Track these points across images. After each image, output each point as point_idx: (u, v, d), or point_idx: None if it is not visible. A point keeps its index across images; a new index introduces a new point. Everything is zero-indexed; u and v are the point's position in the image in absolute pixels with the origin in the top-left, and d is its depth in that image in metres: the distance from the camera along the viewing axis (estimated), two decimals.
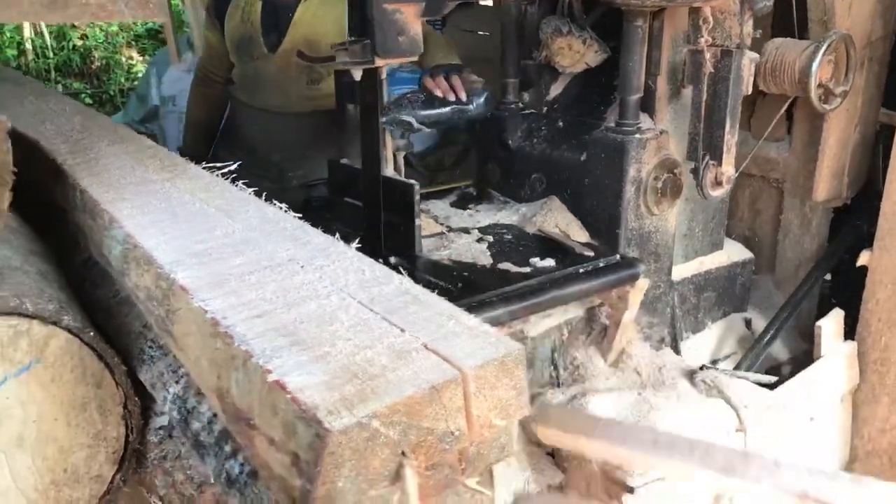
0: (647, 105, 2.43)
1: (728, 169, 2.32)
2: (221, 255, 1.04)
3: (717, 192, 2.37)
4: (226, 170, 1.41)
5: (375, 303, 0.90)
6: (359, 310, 0.88)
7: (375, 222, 2.33)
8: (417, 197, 2.23)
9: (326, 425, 0.68)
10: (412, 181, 2.24)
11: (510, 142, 2.72)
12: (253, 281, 0.96)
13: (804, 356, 2.85)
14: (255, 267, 1.00)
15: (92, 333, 1.15)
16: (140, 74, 7.91)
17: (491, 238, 2.44)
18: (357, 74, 2.16)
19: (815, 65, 2.29)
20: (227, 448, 0.98)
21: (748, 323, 2.89)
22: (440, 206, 2.71)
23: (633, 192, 2.39)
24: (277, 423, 0.75)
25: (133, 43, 9.11)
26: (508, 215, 2.62)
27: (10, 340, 1.08)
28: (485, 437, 0.83)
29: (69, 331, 1.12)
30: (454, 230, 2.50)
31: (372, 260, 1.04)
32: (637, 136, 2.36)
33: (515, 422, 0.92)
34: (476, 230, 2.50)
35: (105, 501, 1.21)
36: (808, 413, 2.53)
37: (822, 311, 2.74)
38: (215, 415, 1.05)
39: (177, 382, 1.13)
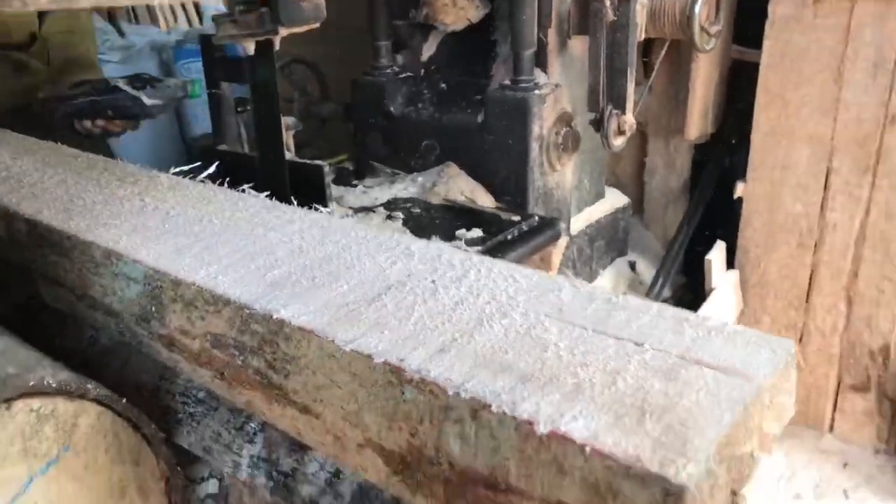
0: (540, 59, 2.37)
1: (630, 118, 2.33)
2: (315, 282, 0.82)
3: (619, 141, 2.37)
4: (204, 174, 1.15)
5: (569, 314, 0.74)
6: (559, 325, 0.73)
7: None
8: (328, 179, 2.03)
9: (675, 480, 0.54)
10: (320, 162, 2.03)
11: (392, 109, 2.55)
12: (389, 307, 0.77)
13: (683, 290, 2.99)
14: (374, 289, 0.80)
15: (124, 401, 0.88)
16: None
17: (400, 214, 2.28)
18: (250, 48, 1.90)
19: (698, 6, 2.34)
20: None
21: (633, 265, 2.97)
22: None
23: (537, 149, 2.33)
24: (570, 485, 0.59)
25: None
26: (405, 188, 2.46)
27: (34, 430, 0.79)
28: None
29: (98, 402, 0.84)
30: (357, 210, 2.31)
31: (508, 262, 0.87)
32: (536, 91, 2.30)
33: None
34: (380, 208, 2.33)
35: None
36: None
37: (691, 244, 2.88)
38: (337, 473, 0.84)
39: (250, 442, 0.90)
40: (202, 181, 1.21)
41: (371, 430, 0.71)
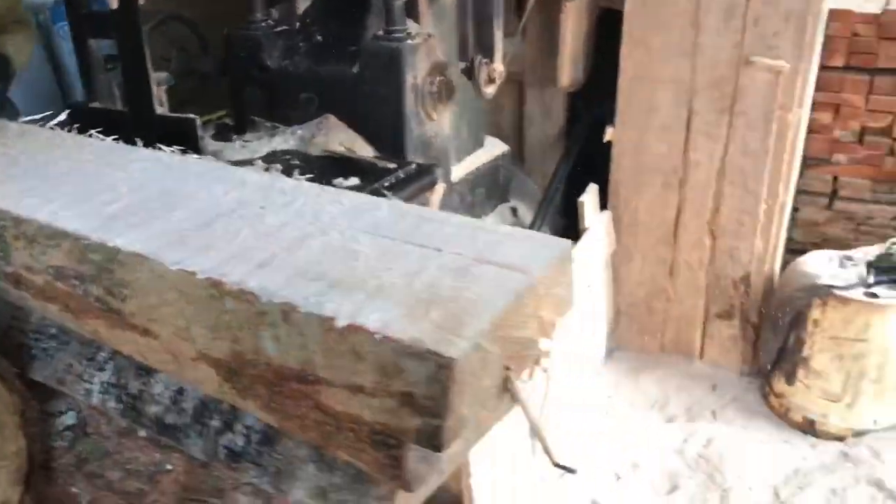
0: (411, 10, 2.43)
1: (499, 66, 2.41)
2: (152, 213, 0.87)
3: (490, 90, 2.46)
4: (54, 121, 1.18)
5: (382, 229, 0.82)
6: (373, 239, 0.80)
7: None
8: (200, 132, 2.05)
9: (446, 354, 0.63)
10: (191, 115, 2.05)
11: (269, 63, 2.57)
12: (218, 232, 0.83)
13: (564, 231, 3.12)
14: (206, 217, 0.86)
15: None
16: None
17: (280, 166, 2.31)
18: (114, 2, 1.90)
19: None
20: (216, 423, 0.86)
21: (514, 211, 3.09)
22: (206, 141, 2.50)
23: (412, 99, 2.40)
24: (365, 369, 0.67)
25: None
26: (285, 140, 2.49)
27: None
28: (544, 341, 0.82)
29: None
30: (236, 164, 2.33)
31: (339, 189, 0.94)
32: (409, 41, 2.35)
33: None
34: (259, 160, 2.36)
35: None
36: (586, 281, 2.80)
37: (569, 189, 3.02)
38: (180, 391, 0.91)
39: (100, 370, 0.95)
40: (52, 128, 1.22)
41: (200, 343, 0.78)
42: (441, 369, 0.63)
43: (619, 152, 2.91)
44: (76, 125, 2.19)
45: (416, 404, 0.66)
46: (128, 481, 0.98)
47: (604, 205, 2.99)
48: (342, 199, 0.91)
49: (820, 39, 2.65)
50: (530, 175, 3.27)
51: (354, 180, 2.22)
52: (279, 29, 2.60)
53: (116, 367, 0.95)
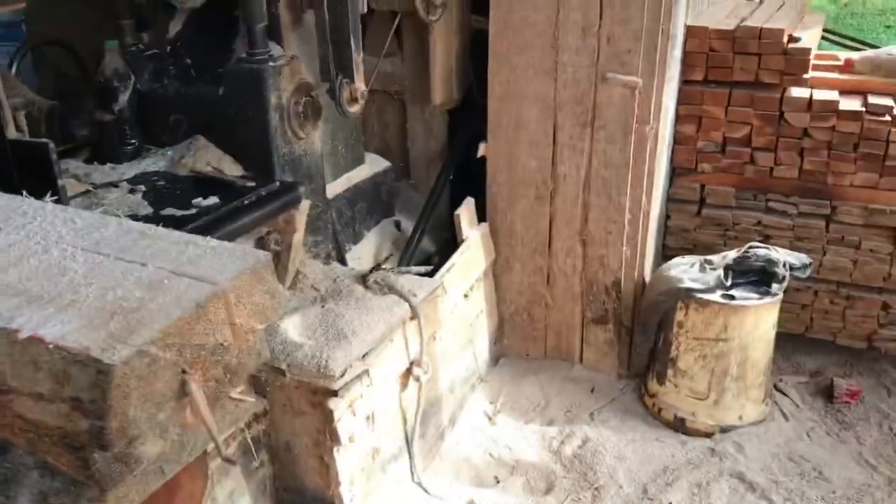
0: (274, 33, 2.50)
1: (360, 85, 2.50)
2: None
3: (355, 108, 2.54)
4: None
5: (102, 246, 0.89)
6: (87, 256, 0.87)
7: (10, 190, 2.13)
8: (55, 156, 2.08)
9: (107, 360, 0.70)
10: (45, 140, 2.08)
11: (139, 86, 2.61)
12: None
13: (449, 244, 3.21)
14: None
15: None
16: None
17: (143, 187, 2.36)
18: None
19: None
20: None
21: (398, 225, 3.18)
22: (76, 164, 2.53)
23: (277, 118, 2.46)
24: (43, 377, 0.74)
25: None
26: (154, 162, 2.54)
27: None
28: (245, 346, 0.89)
29: None
30: (100, 186, 2.38)
31: (80, 210, 1.00)
32: (271, 63, 2.42)
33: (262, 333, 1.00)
34: (124, 182, 2.40)
35: None
36: (462, 290, 2.89)
37: (456, 204, 3.11)
38: None
39: None
40: None
41: None
42: (100, 374, 0.70)
43: (493, 167, 3.01)
44: None
45: (84, 408, 0.73)
46: None
47: (483, 217, 3.09)
48: (76, 218, 0.98)
49: (673, 55, 2.79)
50: (417, 190, 3.36)
51: (214, 199, 2.28)
52: (149, 53, 2.65)
53: None
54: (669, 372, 2.91)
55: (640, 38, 2.66)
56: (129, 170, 2.50)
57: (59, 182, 2.10)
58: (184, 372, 0.78)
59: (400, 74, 3.17)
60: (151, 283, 0.81)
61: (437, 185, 3.13)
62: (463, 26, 3.03)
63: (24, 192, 2.11)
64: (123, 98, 2.55)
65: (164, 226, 2.10)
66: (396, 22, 2.79)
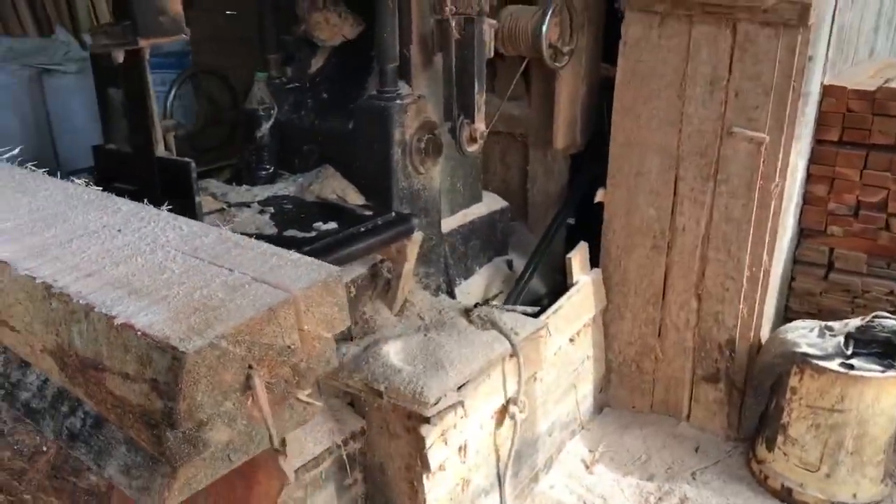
0: (404, 73, 2.63)
1: (480, 126, 2.58)
2: (33, 230, 1.07)
3: (473, 148, 2.63)
4: (7, 154, 1.40)
5: (200, 252, 1.00)
6: (185, 259, 0.98)
7: (152, 204, 2.34)
8: (195, 175, 2.27)
9: (182, 349, 0.79)
10: (187, 159, 2.27)
11: (279, 116, 2.81)
12: (74, 248, 1.02)
13: (560, 287, 3.23)
14: (72, 235, 1.06)
15: None
16: None
17: (272, 209, 2.53)
18: (119, 57, 2.15)
19: (544, 27, 2.61)
20: (65, 408, 1.03)
21: (510, 264, 3.22)
22: (216, 184, 2.74)
23: (399, 153, 2.58)
24: (131, 359, 0.83)
25: None
26: (286, 187, 2.72)
27: None
28: (313, 352, 0.97)
29: None
30: (234, 205, 2.56)
31: (188, 218, 1.12)
32: (398, 101, 2.54)
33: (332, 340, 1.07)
34: (256, 203, 2.58)
35: None
36: (567, 334, 2.90)
37: (571, 247, 3.13)
38: (46, 380, 1.09)
39: None
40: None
41: (39, 337, 0.96)
42: (175, 360, 0.79)
43: (610, 213, 3.02)
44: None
45: (160, 389, 0.82)
46: (14, 460, 1.15)
47: (596, 262, 3.10)
48: (183, 226, 1.09)
49: (805, 113, 2.72)
50: (532, 231, 3.40)
51: (333, 224, 2.41)
52: (291, 86, 2.84)
53: (6, 360, 1.15)
54: (779, 439, 2.78)
55: (770, 95, 2.61)
56: (262, 192, 2.68)
57: (197, 199, 2.29)
58: (250, 367, 0.86)
59: (525, 118, 3.24)
60: (234, 286, 0.91)
61: (552, 227, 3.16)
62: (590, 73, 3.07)
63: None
64: (265, 126, 2.75)
65: (284, 246, 2.27)
66: (523, 67, 2.87)
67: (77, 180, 2.25)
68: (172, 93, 2.98)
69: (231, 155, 3.12)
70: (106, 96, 2.49)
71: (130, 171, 2.41)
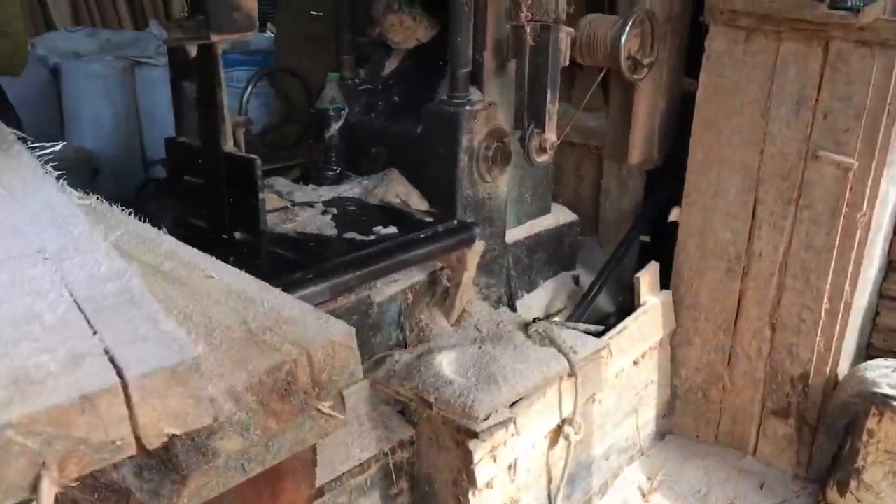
0: (476, 78, 2.58)
1: (551, 136, 2.51)
2: None
3: (542, 158, 2.56)
4: (50, 149, 1.40)
5: (90, 301, 0.89)
6: (68, 308, 0.87)
7: (218, 199, 2.36)
8: (259, 171, 2.28)
9: None
10: (253, 156, 2.28)
11: (349, 117, 2.80)
12: None
13: (628, 307, 3.12)
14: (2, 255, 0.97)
15: None
16: None
17: (335, 210, 2.52)
18: (192, 51, 2.17)
19: (623, 38, 2.52)
20: None
21: (576, 280, 3.13)
22: (283, 182, 2.75)
23: (466, 160, 2.54)
24: None
25: None
26: (351, 188, 2.70)
27: None
28: (335, 364, 0.93)
29: None
30: (298, 204, 2.56)
31: (118, 255, 1.02)
32: (468, 107, 2.50)
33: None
34: (320, 203, 2.57)
35: None
36: (632, 356, 2.79)
37: (642, 265, 3.02)
38: None
39: None
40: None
41: None
42: None
43: (684, 233, 2.90)
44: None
45: None
46: None
47: (666, 284, 2.98)
48: (106, 264, 0.97)
49: None
50: (603, 247, 3.30)
51: (393, 229, 2.38)
52: (363, 87, 2.83)
53: None
54: (853, 483, 2.62)
55: (861, 118, 2.46)
56: (328, 193, 2.67)
57: (260, 196, 2.30)
58: (42, 465, 0.72)
59: (601, 130, 3.15)
60: (77, 357, 0.74)
61: (623, 245, 3.05)
62: (671, 87, 2.96)
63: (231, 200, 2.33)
64: (335, 127, 2.75)
65: (341, 247, 2.25)
66: (600, 77, 2.78)
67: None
68: (248, 90, 3.00)
69: (303, 154, 3.13)
70: (180, 89, 2.53)
71: (199, 165, 2.43)
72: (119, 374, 0.76)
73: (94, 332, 0.81)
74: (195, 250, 1.34)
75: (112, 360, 0.78)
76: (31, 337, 0.81)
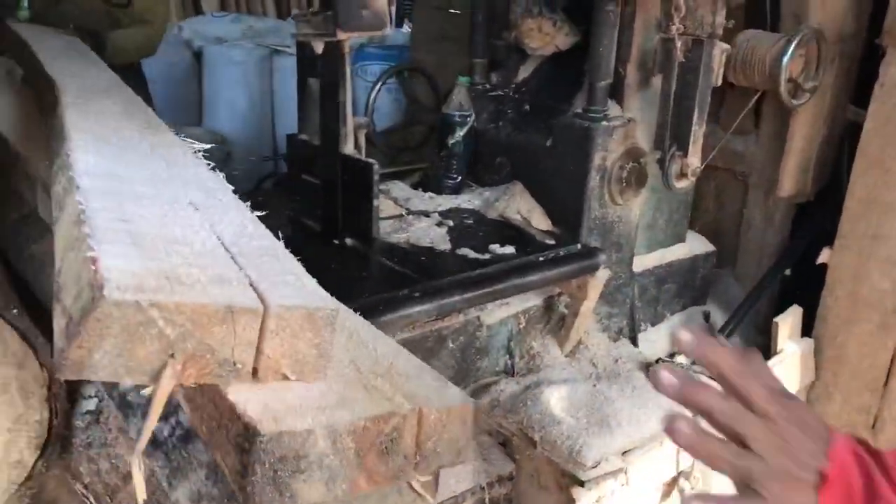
0: (616, 92, 2.39)
1: (694, 161, 2.29)
2: (133, 183, 1.01)
3: (682, 184, 2.34)
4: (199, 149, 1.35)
5: (235, 246, 0.91)
6: (216, 246, 0.89)
7: (332, 202, 2.27)
8: (376, 177, 2.17)
9: (104, 292, 0.67)
10: (371, 160, 2.18)
11: (476, 124, 2.66)
12: (143, 203, 0.94)
13: (763, 352, 2.84)
14: (154, 198, 0.98)
15: (15, 311, 1.08)
16: None
17: (451, 222, 2.38)
18: (318, 47, 2.09)
19: (785, 59, 2.26)
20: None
21: (707, 316, 2.88)
22: (400, 187, 2.64)
23: (597, 180, 2.35)
24: (72, 290, 0.73)
25: None
26: (471, 199, 2.56)
27: None
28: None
29: None
30: (414, 213, 2.45)
31: (264, 227, 1.02)
32: (604, 123, 2.31)
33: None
34: (436, 213, 2.45)
35: (27, 488, 1.14)
36: None
37: (782, 307, 2.74)
38: None
39: None
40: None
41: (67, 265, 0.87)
42: (91, 301, 0.71)
43: (833, 277, 2.60)
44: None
45: None
46: (110, 474, 1.07)
47: (808, 331, 2.69)
48: (248, 223, 1.00)
49: None
50: (740, 282, 3.02)
51: (510, 249, 2.23)
52: (493, 93, 2.68)
53: None
54: None
55: None
56: (446, 202, 2.54)
57: (374, 202, 2.20)
58: (171, 356, 0.72)
59: (750, 156, 2.88)
60: (224, 279, 0.85)
61: (763, 283, 2.78)
62: (834, 115, 2.66)
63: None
64: (459, 134, 2.61)
65: (453, 264, 2.11)
66: (755, 100, 2.52)
67: None
68: (376, 89, 2.92)
69: (426, 158, 3.02)
70: (305, 85, 2.45)
71: (317, 165, 2.36)
72: (262, 300, 0.78)
73: (240, 269, 0.84)
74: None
75: (255, 289, 0.80)
76: (181, 255, 0.83)
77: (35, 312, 1.14)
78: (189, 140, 1.48)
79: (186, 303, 0.71)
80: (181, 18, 5.86)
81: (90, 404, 1.17)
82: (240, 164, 5.37)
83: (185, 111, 5.70)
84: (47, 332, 1.12)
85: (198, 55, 5.67)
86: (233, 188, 1.17)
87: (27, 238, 1.37)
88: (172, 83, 5.64)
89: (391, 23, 6.67)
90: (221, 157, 5.28)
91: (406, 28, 5.37)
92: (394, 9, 5.93)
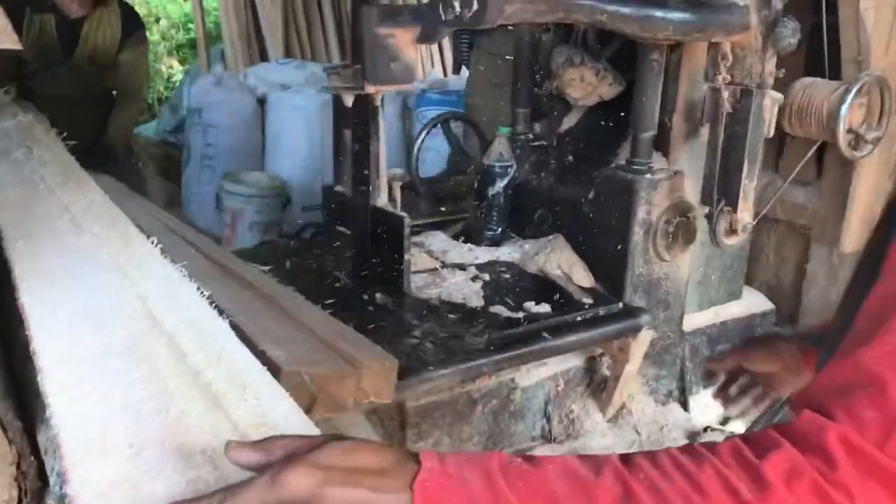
0: (662, 143, 2.28)
1: (744, 216, 2.15)
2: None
3: (732, 241, 2.19)
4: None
5: None
6: None
7: (364, 255, 2.22)
8: (408, 231, 2.11)
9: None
10: (402, 214, 2.12)
11: (517, 174, 2.58)
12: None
13: None
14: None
15: None
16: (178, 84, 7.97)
17: (487, 277, 2.30)
18: (348, 100, 2.05)
19: (844, 108, 2.11)
20: None
21: None
22: (441, 239, 2.57)
23: (641, 235, 2.23)
24: None
25: (174, 52, 9.19)
26: (510, 252, 2.47)
27: None
28: None
29: None
30: (448, 266, 2.37)
31: None
32: (648, 175, 2.21)
33: None
34: (473, 267, 2.36)
35: None
36: None
37: None
38: None
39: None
40: None
41: None
42: None
43: None
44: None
45: None
46: None
47: None
48: None
49: None
50: None
51: (546, 307, 2.13)
52: (536, 143, 2.60)
53: None
54: None
55: None
56: (484, 255, 2.46)
57: (406, 256, 2.13)
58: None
59: (812, 207, 2.71)
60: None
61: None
62: None
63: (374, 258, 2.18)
64: (499, 184, 2.54)
65: (484, 323, 2.01)
66: (813, 150, 2.37)
67: None
68: (421, 138, 2.87)
69: (469, 208, 2.94)
70: (340, 136, 2.42)
71: (349, 216, 2.31)
72: None
73: None
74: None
75: None
76: None
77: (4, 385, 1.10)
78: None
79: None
80: (247, 66, 5.97)
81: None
82: (297, 210, 5.40)
83: (249, 156, 5.79)
84: (22, 408, 1.07)
85: (262, 101, 5.76)
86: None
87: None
88: (237, 129, 5.75)
89: (449, 69, 6.66)
90: (281, 203, 5.33)
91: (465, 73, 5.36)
92: (451, 55, 5.93)
